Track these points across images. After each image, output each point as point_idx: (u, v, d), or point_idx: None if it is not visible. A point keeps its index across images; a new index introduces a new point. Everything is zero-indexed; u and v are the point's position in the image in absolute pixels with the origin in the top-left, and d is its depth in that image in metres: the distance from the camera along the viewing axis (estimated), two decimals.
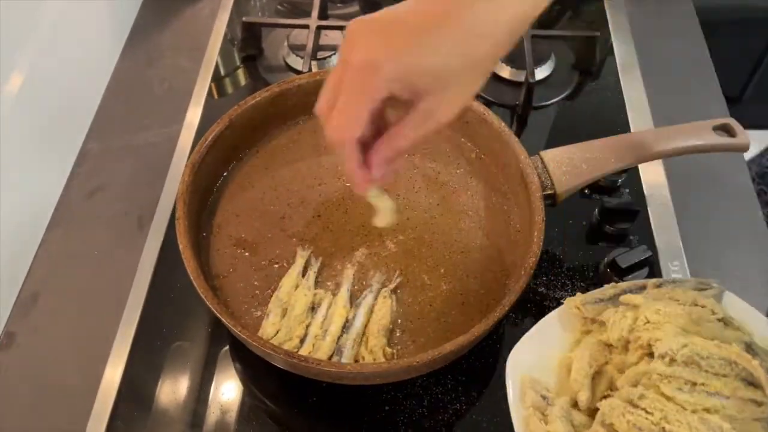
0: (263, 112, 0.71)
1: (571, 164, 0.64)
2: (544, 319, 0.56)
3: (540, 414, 0.49)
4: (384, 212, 0.54)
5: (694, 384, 0.45)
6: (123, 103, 0.87)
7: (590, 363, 0.51)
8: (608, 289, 0.54)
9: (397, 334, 0.61)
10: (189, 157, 0.66)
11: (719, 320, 0.50)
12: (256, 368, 0.63)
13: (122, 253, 0.72)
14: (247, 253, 0.65)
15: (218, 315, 0.55)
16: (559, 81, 0.88)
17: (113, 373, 0.63)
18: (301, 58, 0.86)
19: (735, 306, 0.53)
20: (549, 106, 0.86)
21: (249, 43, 0.91)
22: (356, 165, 0.44)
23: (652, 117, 0.82)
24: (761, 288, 0.69)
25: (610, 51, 0.91)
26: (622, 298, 0.53)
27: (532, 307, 0.68)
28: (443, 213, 0.69)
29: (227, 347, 0.65)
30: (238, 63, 0.91)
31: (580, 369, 0.51)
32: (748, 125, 0.65)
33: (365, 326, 0.60)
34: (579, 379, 0.50)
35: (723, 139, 0.63)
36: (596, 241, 0.72)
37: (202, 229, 0.66)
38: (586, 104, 0.87)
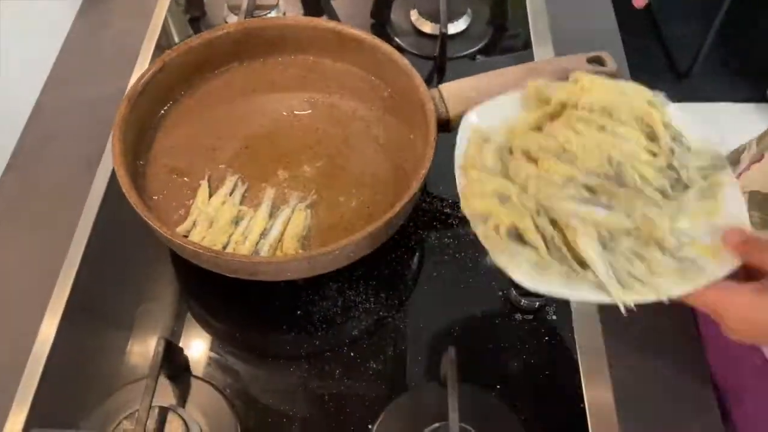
0: (196, 56, 0.79)
1: (462, 94, 0.73)
2: (506, 94, 0.60)
3: (479, 146, 0.54)
4: None
5: (603, 127, 0.51)
6: (77, 61, 0.95)
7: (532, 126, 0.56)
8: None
9: (310, 242, 0.69)
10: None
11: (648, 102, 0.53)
12: (191, 275, 0.71)
13: (73, 190, 0.79)
14: (179, 178, 0.74)
15: (149, 221, 0.63)
16: (475, 34, 0.98)
17: (63, 288, 0.71)
18: (237, 16, 0.94)
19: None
20: (464, 58, 0.95)
21: (193, 5, 1.00)
22: None
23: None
24: None
25: (523, 5, 1.01)
26: (572, 74, 0.58)
27: (437, 224, 0.77)
28: (358, 143, 0.77)
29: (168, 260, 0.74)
30: (190, 31, 0.99)
31: (523, 125, 0.56)
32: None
33: (282, 234, 0.69)
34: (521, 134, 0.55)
35: (594, 68, 0.72)
36: None
37: (139, 158, 0.74)
38: (499, 56, 0.97)
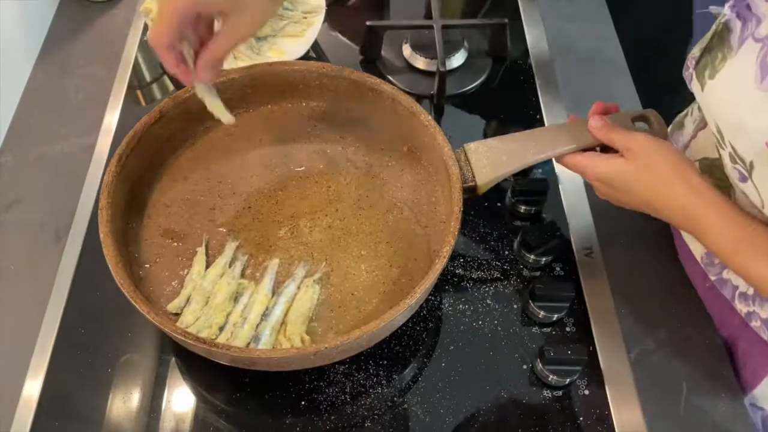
0: (196, 104, 0.71)
1: (492, 156, 0.65)
2: None
3: None
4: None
5: None
6: (38, 114, 0.87)
7: None
8: None
9: (317, 323, 0.62)
10: (113, 152, 0.66)
11: None
12: (189, 359, 0.64)
13: (39, 267, 0.71)
14: (174, 243, 0.66)
15: (133, 302, 0.56)
16: (473, 69, 0.90)
17: (32, 387, 0.63)
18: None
19: None
20: (464, 94, 0.88)
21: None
22: (174, 65, 0.57)
23: (564, 97, 0.86)
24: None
25: (522, 36, 0.94)
26: None
27: (449, 288, 0.69)
28: (372, 204, 0.70)
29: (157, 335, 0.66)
30: (162, 70, 0.90)
31: None
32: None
33: (285, 314, 0.61)
34: None
35: (640, 128, 0.64)
36: (512, 221, 0.75)
37: (130, 220, 0.67)
38: (500, 90, 0.90)
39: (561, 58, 0.92)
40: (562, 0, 1.00)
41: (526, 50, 0.92)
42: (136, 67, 0.90)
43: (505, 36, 0.90)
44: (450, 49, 0.89)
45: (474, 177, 0.64)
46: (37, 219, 0.76)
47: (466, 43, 0.91)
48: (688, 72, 0.58)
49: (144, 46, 0.93)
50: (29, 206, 0.78)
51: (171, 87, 0.89)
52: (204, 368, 0.63)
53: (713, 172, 0.62)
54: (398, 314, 0.55)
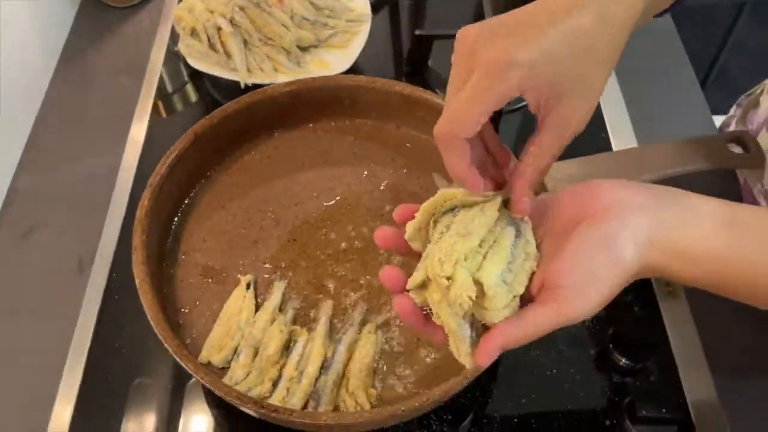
0: (234, 125, 0.64)
1: (567, 179, 0.58)
2: None
3: None
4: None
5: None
6: (56, 132, 0.79)
7: None
8: None
9: (381, 375, 0.55)
10: (147, 179, 0.59)
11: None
12: (228, 411, 0.57)
13: (62, 302, 0.64)
14: (215, 283, 0.59)
15: (178, 360, 0.48)
16: None
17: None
18: None
19: None
20: (519, 110, 0.80)
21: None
22: (467, 164, 0.40)
23: (629, 117, 0.78)
24: None
25: None
26: None
27: None
28: None
29: (196, 391, 0.59)
30: (185, 78, 0.83)
31: None
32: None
33: (345, 365, 0.54)
34: None
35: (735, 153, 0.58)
36: None
37: (164, 259, 0.59)
38: None
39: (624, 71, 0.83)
40: None
41: None
42: (162, 79, 0.83)
43: None
44: None
45: None
46: (58, 248, 0.69)
47: None
48: None
49: (171, 55, 0.85)
50: (49, 234, 0.70)
51: (193, 98, 0.83)
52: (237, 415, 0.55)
53: None
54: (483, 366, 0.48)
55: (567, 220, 0.39)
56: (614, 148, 0.75)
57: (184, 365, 0.48)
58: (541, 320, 0.38)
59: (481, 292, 0.37)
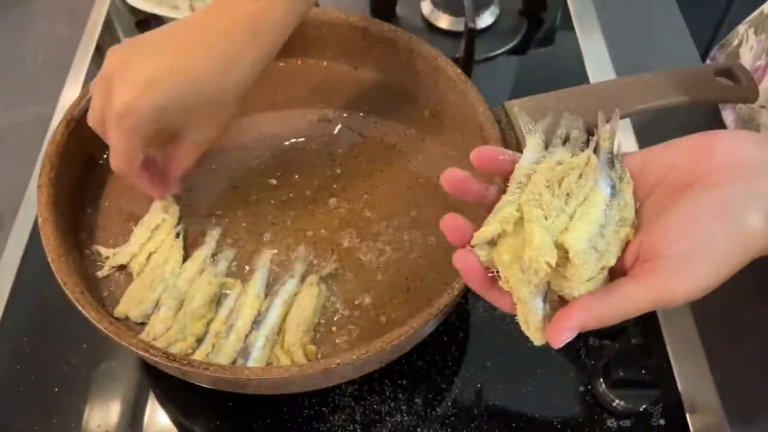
0: None
1: (541, 115, 0.51)
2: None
3: None
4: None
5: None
6: None
7: None
8: None
9: (323, 331, 0.48)
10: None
11: None
12: (162, 379, 0.50)
13: None
14: None
15: (79, 307, 0.42)
16: (505, 29, 0.77)
17: None
18: None
19: None
20: (492, 60, 0.75)
21: None
22: (148, 184, 0.50)
23: (613, 67, 0.73)
24: None
25: None
26: None
27: None
28: (388, 181, 0.56)
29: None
30: (133, 27, 0.77)
31: None
32: None
33: (282, 321, 0.47)
34: None
35: (723, 83, 0.51)
36: None
37: (84, 204, 0.53)
38: (536, 55, 0.76)
39: (607, 17, 0.78)
40: None
41: (567, 8, 0.79)
42: (107, 27, 0.76)
43: None
44: (478, 5, 0.75)
45: (519, 142, 0.51)
46: None
47: (496, 0, 0.78)
48: None
49: (118, 2, 0.78)
50: None
51: None
52: (180, 389, 0.49)
53: None
54: (432, 319, 0.42)
55: (675, 180, 0.33)
56: (591, 80, 0.71)
57: (87, 315, 0.42)
58: (633, 297, 0.31)
59: (563, 259, 0.32)
